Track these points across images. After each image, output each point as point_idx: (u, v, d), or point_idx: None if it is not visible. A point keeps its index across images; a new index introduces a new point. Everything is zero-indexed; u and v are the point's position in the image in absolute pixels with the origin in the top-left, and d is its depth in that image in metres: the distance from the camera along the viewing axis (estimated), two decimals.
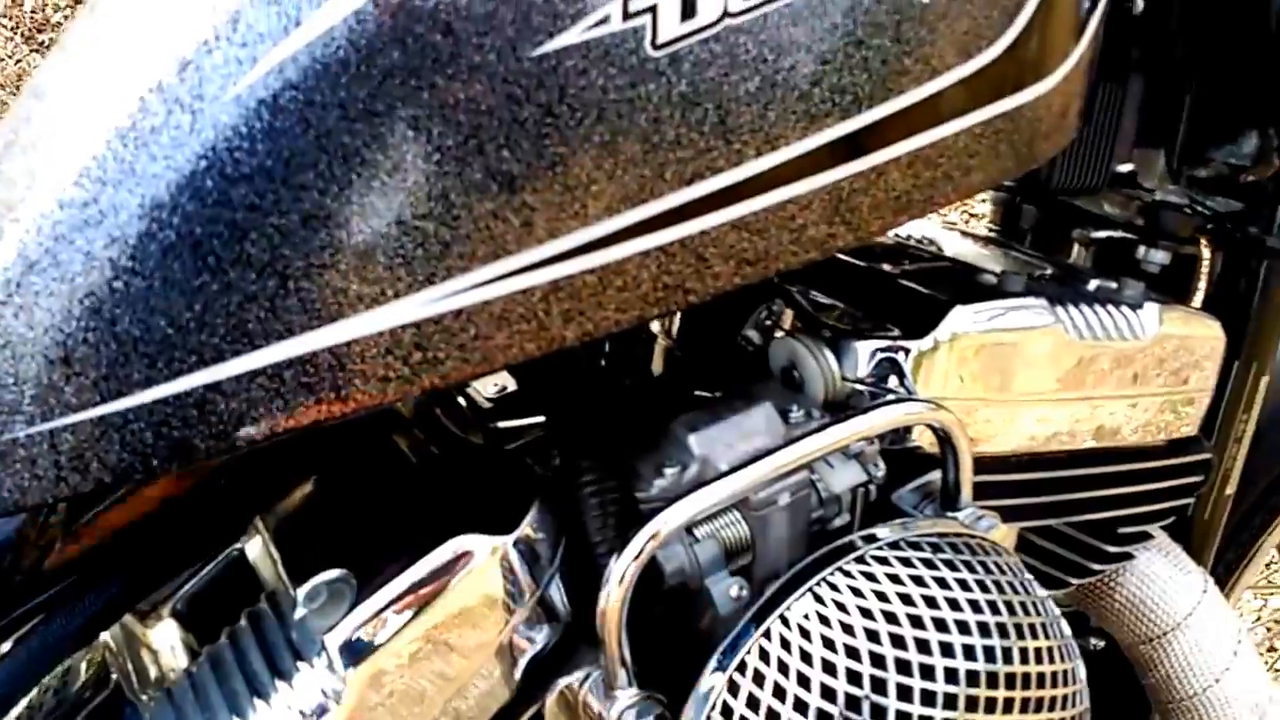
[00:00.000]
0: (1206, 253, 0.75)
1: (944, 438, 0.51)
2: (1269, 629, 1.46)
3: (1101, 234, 0.73)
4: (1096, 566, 0.69)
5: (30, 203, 0.38)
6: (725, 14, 0.39)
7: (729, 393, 0.51)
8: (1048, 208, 0.74)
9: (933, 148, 0.45)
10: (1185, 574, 0.75)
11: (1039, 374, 0.57)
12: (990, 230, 0.79)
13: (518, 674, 0.47)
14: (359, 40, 0.36)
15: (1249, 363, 0.74)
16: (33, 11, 2.65)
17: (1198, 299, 0.76)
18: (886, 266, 0.60)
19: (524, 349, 0.40)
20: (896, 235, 0.70)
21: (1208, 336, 0.63)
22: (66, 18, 2.67)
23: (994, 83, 0.46)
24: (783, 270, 0.44)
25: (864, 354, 0.53)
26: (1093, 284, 0.62)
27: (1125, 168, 0.72)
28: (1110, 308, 0.59)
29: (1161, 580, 0.74)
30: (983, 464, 0.56)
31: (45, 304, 0.38)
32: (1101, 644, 0.80)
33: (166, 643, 0.49)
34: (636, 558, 0.44)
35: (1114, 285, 0.62)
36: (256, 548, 0.50)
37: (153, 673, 0.49)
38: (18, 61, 2.58)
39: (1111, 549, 0.69)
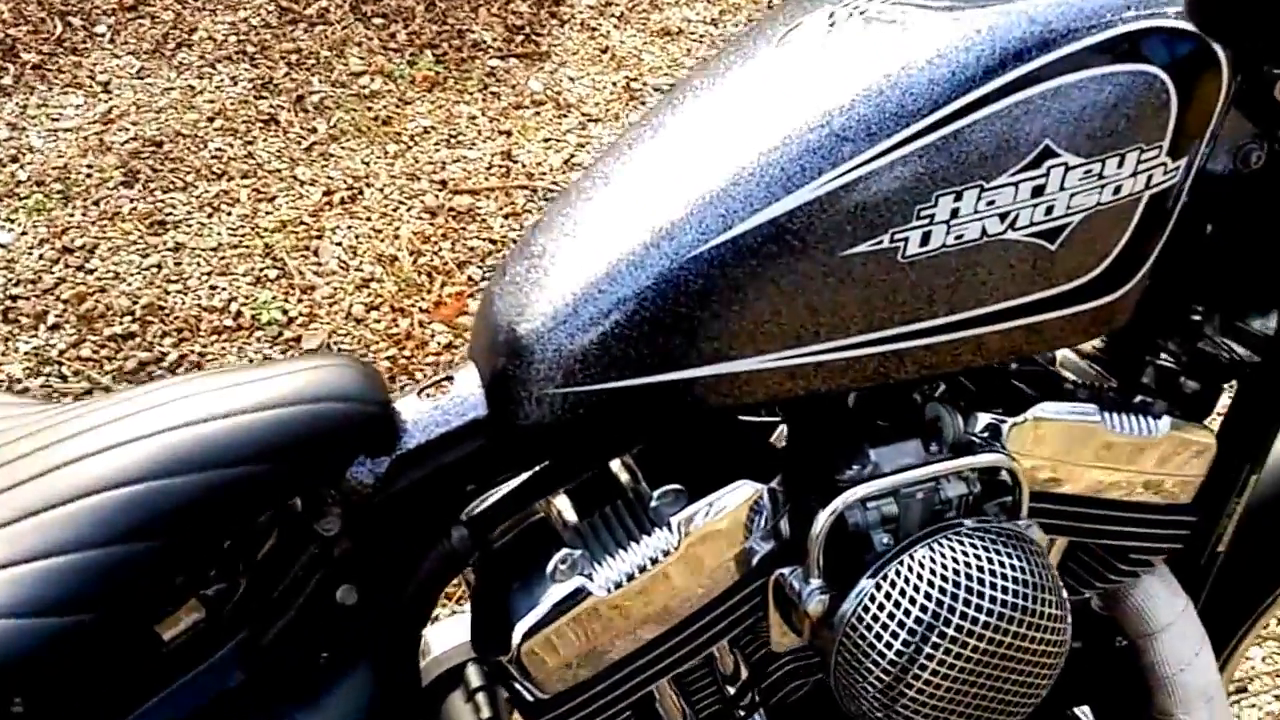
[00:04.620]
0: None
1: (1011, 475, 0.89)
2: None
3: (1161, 361, 1.08)
4: (1113, 577, 1.06)
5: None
6: (943, 245, 0.77)
7: (899, 428, 0.90)
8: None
9: (1041, 324, 0.82)
10: (1174, 595, 1.10)
11: (1083, 449, 0.93)
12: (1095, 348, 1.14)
13: (752, 561, 0.87)
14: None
15: (1243, 463, 1.09)
16: None
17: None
18: (1012, 367, 0.97)
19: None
20: None
21: (1199, 443, 0.99)
22: None
23: (1086, 293, 0.83)
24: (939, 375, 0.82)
25: (980, 420, 0.91)
26: (1136, 399, 0.98)
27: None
28: (1139, 415, 0.96)
29: (1158, 598, 1.10)
30: (1042, 496, 0.93)
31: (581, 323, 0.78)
32: (1125, 643, 1.16)
33: (566, 506, 0.90)
34: (834, 511, 0.84)
35: (1149, 401, 0.98)
36: (618, 465, 0.91)
37: (560, 520, 0.90)
38: None
39: (1122, 566, 1.05)
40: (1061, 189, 0.76)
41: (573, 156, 2.81)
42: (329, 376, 0.80)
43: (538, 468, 0.88)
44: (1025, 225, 0.77)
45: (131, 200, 2.56)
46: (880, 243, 0.75)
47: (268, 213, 2.60)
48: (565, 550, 0.83)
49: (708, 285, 0.76)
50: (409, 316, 2.43)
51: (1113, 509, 0.99)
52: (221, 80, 2.87)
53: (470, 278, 2.53)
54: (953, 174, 0.74)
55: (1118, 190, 0.78)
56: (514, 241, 2.61)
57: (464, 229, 2.62)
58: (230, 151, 2.70)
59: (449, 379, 0.86)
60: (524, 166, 2.77)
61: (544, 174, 2.75)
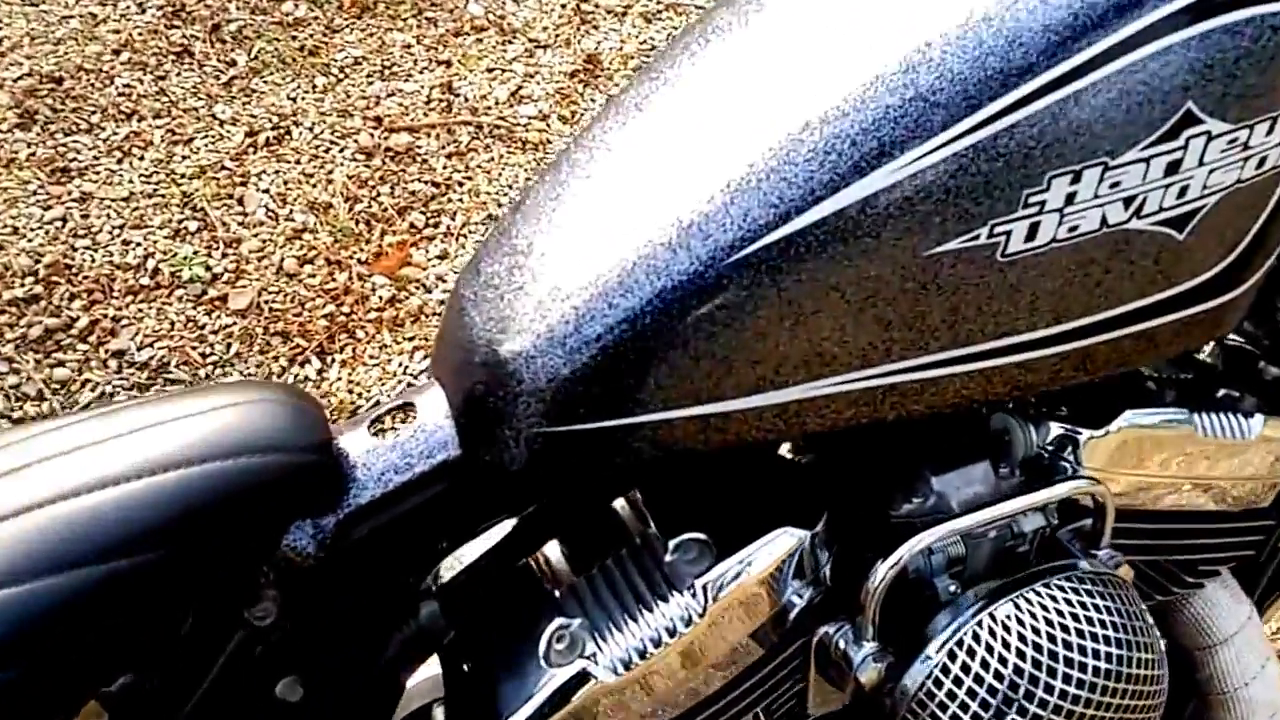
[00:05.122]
0: None
1: (1098, 501, 0.73)
2: None
3: (1234, 342, 0.94)
4: (1177, 589, 0.92)
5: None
6: (1053, 239, 0.60)
7: (962, 448, 0.73)
8: None
9: (1154, 331, 0.66)
10: (1239, 604, 0.97)
11: (1169, 458, 0.78)
12: None
13: (789, 619, 0.71)
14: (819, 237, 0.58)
15: None
16: None
17: None
18: None
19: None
20: None
21: None
22: None
23: (1207, 290, 0.67)
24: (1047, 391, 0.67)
25: (1053, 431, 0.75)
26: (1221, 392, 0.83)
27: None
28: (1229, 414, 0.81)
29: (1220, 606, 0.96)
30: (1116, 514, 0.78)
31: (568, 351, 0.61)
32: (1164, 642, 1.03)
33: (557, 555, 0.74)
34: (897, 562, 0.68)
35: (1237, 395, 0.83)
36: (623, 507, 0.74)
37: (552, 576, 0.73)
38: None
39: (1189, 579, 0.91)
40: (1200, 164, 0.59)
41: (520, 88, 2.59)
42: (251, 419, 0.62)
43: (523, 514, 0.70)
44: (1153, 211, 0.60)
45: (29, 145, 2.32)
46: (976, 238, 0.58)
47: (185, 157, 2.37)
48: (560, 622, 0.66)
49: (753, 296, 0.58)
50: (346, 270, 2.22)
51: (1190, 521, 0.85)
52: (127, 7, 2.61)
53: (412, 224, 2.33)
54: (1070, 149, 0.57)
55: (1261, 163, 0.62)
56: (458, 185, 2.40)
57: (403, 171, 2.40)
58: (140, 88, 2.45)
59: (408, 407, 0.68)
60: (466, 100, 2.55)
61: (489, 108, 2.53)
